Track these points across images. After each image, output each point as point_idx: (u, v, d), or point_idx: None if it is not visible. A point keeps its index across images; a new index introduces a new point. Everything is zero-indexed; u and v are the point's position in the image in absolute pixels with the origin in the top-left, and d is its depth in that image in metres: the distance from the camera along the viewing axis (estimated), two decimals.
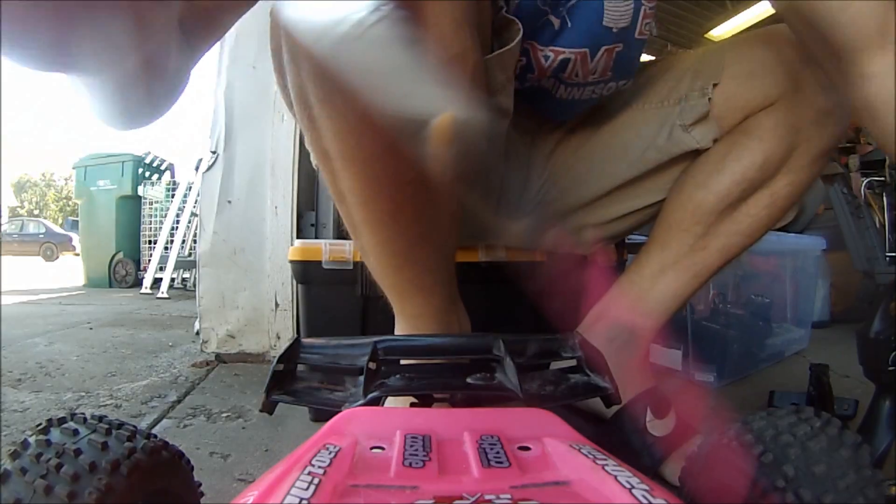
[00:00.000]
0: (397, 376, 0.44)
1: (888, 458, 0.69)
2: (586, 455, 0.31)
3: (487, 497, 0.25)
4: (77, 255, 8.11)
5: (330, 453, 0.30)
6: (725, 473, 0.39)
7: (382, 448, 0.32)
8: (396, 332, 0.70)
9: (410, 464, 0.30)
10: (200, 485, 0.45)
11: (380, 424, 0.34)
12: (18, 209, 36.58)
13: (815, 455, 0.36)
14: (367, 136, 0.44)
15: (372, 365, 0.43)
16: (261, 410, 0.41)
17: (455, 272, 0.64)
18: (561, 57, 0.64)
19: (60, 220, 24.57)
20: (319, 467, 0.27)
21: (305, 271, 0.94)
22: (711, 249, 0.69)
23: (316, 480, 0.26)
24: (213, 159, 1.59)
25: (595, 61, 0.65)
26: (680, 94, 0.72)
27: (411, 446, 0.32)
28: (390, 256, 0.57)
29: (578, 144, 0.80)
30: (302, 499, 0.24)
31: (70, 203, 32.91)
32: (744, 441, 0.38)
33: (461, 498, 0.25)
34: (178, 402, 1.19)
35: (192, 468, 0.44)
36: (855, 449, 0.37)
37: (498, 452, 0.31)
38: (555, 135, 0.81)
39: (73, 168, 5.17)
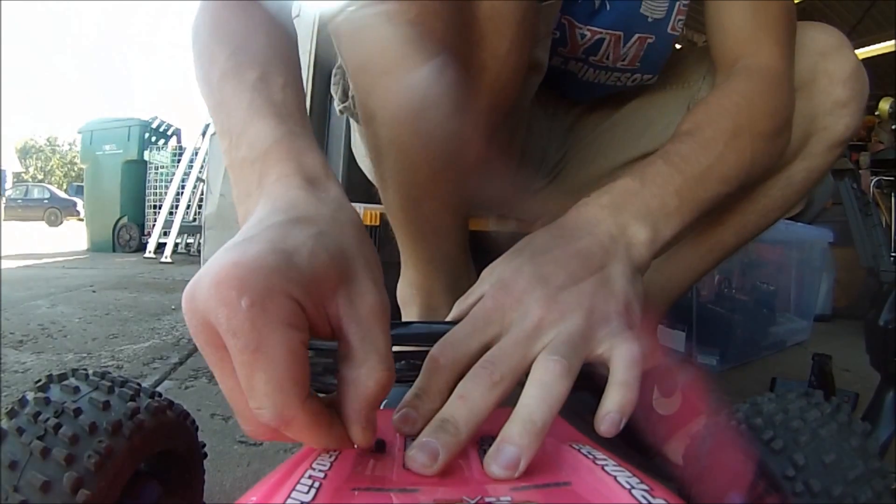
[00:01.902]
0: (402, 363, 0.43)
1: (890, 449, 0.69)
2: (586, 455, 0.31)
3: (488, 499, 0.25)
4: (81, 220, 8.11)
5: (331, 457, 0.30)
6: (730, 456, 0.38)
7: (383, 451, 0.32)
8: (401, 284, 0.70)
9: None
10: (205, 446, 0.45)
11: (380, 427, 0.34)
12: (23, 174, 36.51)
13: (824, 441, 0.36)
14: (410, 48, 0.42)
15: None
16: None
17: (466, 224, 0.65)
18: (597, 37, 0.65)
19: (65, 186, 24.57)
20: (320, 471, 0.27)
21: None
22: (727, 225, 0.69)
23: (317, 484, 0.26)
24: None
25: (627, 47, 0.66)
26: (700, 76, 0.73)
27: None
28: (412, 186, 0.56)
29: (599, 119, 0.81)
30: (302, 502, 0.24)
31: (75, 168, 32.90)
32: (751, 424, 0.38)
33: (461, 500, 0.25)
34: (180, 363, 1.20)
35: (198, 429, 0.44)
36: (864, 436, 0.36)
37: None
38: (575, 110, 0.82)
39: (79, 132, 5.14)
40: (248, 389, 0.26)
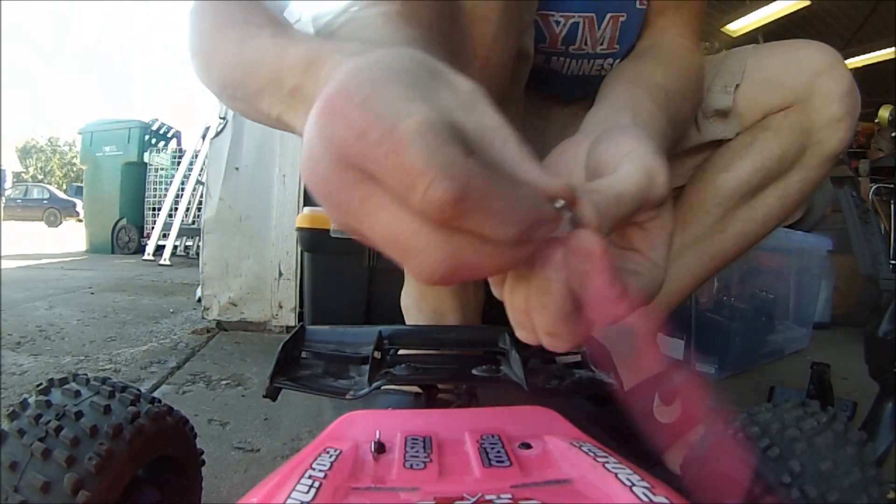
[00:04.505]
0: (402, 366, 0.43)
1: (888, 460, 0.69)
2: (587, 453, 0.31)
3: (488, 497, 0.26)
4: (80, 221, 8.09)
5: (331, 457, 0.30)
6: (728, 465, 0.38)
7: (383, 451, 0.33)
8: (405, 291, 0.70)
9: (411, 465, 0.30)
10: (202, 452, 0.45)
11: (380, 427, 0.34)
12: (23, 174, 36.39)
13: (819, 449, 0.36)
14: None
15: (377, 354, 0.43)
16: (264, 396, 0.41)
17: None
18: (571, 21, 0.66)
19: (65, 187, 24.55)
20: (320, 471, 0.28)
21: (312, 239, 0.93)
22: (729, 234, 0.71)
23: (317, 484, 0.26)
24: (221, 125, 1.58)
25: (602, 28, 0.68)
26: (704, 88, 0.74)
27: (412, 448, 0.32)
28: None
29: None
30: (303, 502, 0.24)
31: (74, 169, 32.87)
32: (748, 433, 0.38)
33: (462, 498, 0.25)
34: (178, 368, 1.20)
35: (196, 435, 0.44)
36: (860, 445, 0.37)
37: (499, 452, 0.31)
38: (567, 110, 0.82)
39: (80, 133, 5.15)
40: None
